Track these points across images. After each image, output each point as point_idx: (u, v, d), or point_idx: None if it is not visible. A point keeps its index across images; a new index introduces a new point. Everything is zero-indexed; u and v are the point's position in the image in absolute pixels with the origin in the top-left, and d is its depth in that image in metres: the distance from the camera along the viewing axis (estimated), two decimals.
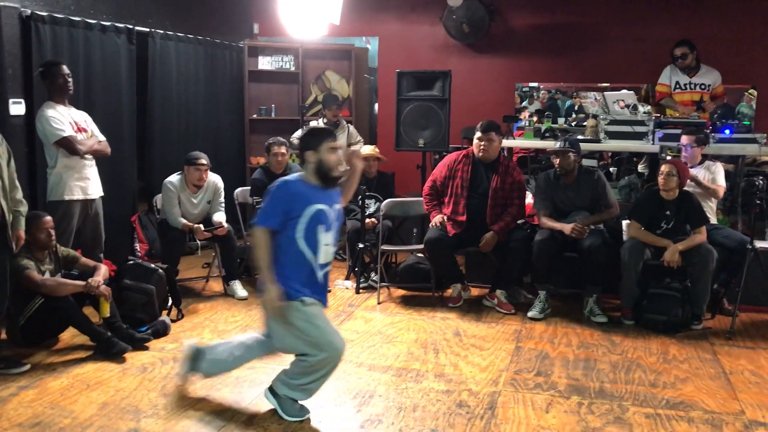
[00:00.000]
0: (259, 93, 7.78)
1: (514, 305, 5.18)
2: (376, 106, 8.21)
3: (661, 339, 4.58)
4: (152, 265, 4.77)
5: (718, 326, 4.83)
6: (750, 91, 6.80)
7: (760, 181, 4.90)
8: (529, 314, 4.99)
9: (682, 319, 4.69)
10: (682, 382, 3.88)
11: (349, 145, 6.88)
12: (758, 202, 4.87)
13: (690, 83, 6.31)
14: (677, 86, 6.33)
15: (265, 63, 7.81)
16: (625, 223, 5.13)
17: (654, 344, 4.48)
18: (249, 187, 5.80)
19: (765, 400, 3.65)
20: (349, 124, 7.07)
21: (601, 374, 3.95)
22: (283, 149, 5.72)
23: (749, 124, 6.12)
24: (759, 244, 4.93)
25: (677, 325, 4.69)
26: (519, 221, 5.36)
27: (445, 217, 5.29)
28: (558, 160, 5.13)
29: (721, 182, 5.19)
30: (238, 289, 5.39)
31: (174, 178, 5.41)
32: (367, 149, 6.20)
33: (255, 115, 7.74)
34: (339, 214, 3.42)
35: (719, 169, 5.27)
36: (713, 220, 5.22)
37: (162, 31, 6.41)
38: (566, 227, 4.95)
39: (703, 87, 6.31)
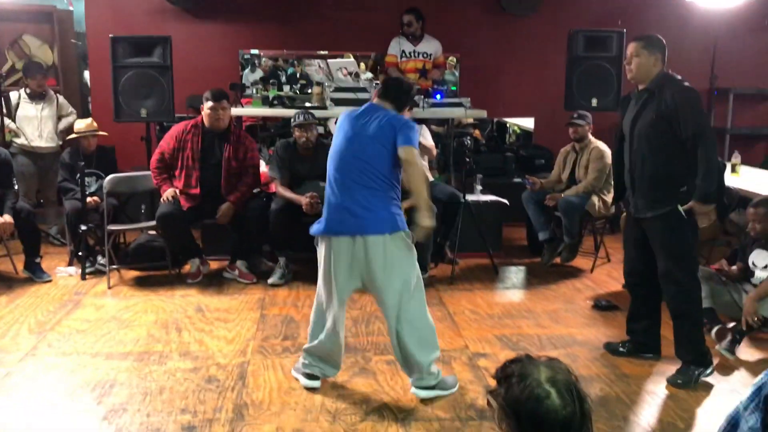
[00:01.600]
0: None
1: (255, 274, 5.16)
2: (87, 74, 7.52)
3: None
4: None
5: (442, 274, 5.31)
6: (450, 59, 7.46)
7: (468, 141, 5.44)
8: (270, 281, 5.02)
9: None
10: None
11: (60, 117, 6.22)
12: (467, 159, 5.40)
13: (414, 51, 6.76)
14: (403, 54, 6.75)
15: None
16: None
17: None
18: None
19: (483, 333, 4.12)
20: (58, 95, 6.38)
21: (345, 330, 4.11)
22: None
23: (455, 89, 6.75)
24: (470, 197, 5.50)
25: None
26: (255, 190, 5.33)
27: (177, 191, 5.06)
28: (301, 134, 5.14)
29: (431, 143, 5.67)
30: None
31: None
32: (82, 123, 5.66)
33: None
34: None
35: (426, 132, 5.74)
36: (430, 178, 5.69)
37: None
38: (303, 200, 4.98)
39: (426, 56, 6.80)
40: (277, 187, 5.17)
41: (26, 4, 6.92)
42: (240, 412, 3.12)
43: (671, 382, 3.46)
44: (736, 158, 5.97)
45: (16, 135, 6.01)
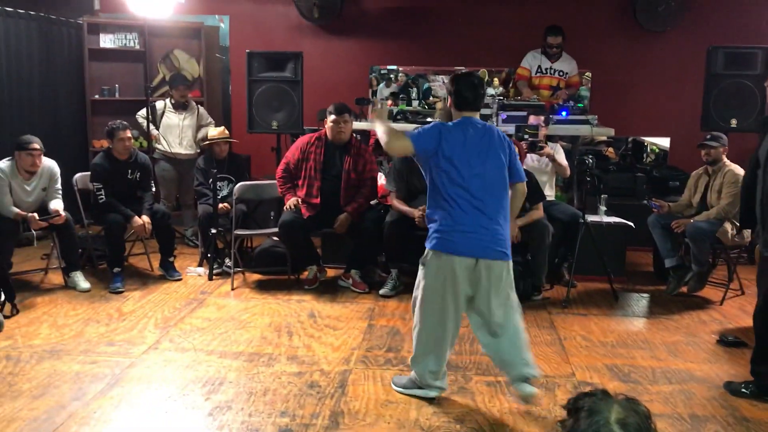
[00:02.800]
0: (101, 72, 7.35)
1: (368, 284, 5.27)
2: (230, 86, 8.01)
3: None
4: None
5: (557, 296, 5.17)
6: (586, 74, 7.27)
7: (590, 160, 5.26)
8: (381, 292, 5.10)
9: (523, 291, 4.95)
10: None
11: (200, 126, 6.68)
12: (588, 179, 5.23)
13: (551, 68, 6.69)
14: (538, 70, 6.69)
15: (107, 41, 7.37)
16: None
17: None
18: (89, 173, 5.47)
19: (592, 362, 3.97)
20: (199, 105, 6.86)
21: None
22: (128, 133, 5.42)
23: (582, 106, 6.57)
24: (591, 218, 5.31)
25: (519, 297, 4.94)
26: (372, 202, 5.45)
27: (300, 200, 5.27)
28: None
29: (565, 162, 5.55)
30: (80, 280, 5.10)
31: (4, 164, 5.00)
32: (215, 131, 6.03)
33: (97, 96, 7.31)
34: None
35: (560, 150, 5.62)
36: (552, 197, 5.56)
37: None
38: (415, 213, 5.04)
39: (561, 74, 6.71)
40: (392, 200, 5.26)
41: (178, 21, 7.48)
42: (336, 419, 3.19)
43: None
44: None
45: (158, 141, 6.51)
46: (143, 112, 6.46)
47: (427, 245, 3.28)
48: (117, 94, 7.38)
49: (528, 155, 5.44)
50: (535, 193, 5.09)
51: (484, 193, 3.20)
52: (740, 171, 5.05)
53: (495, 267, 3.20)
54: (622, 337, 4.40)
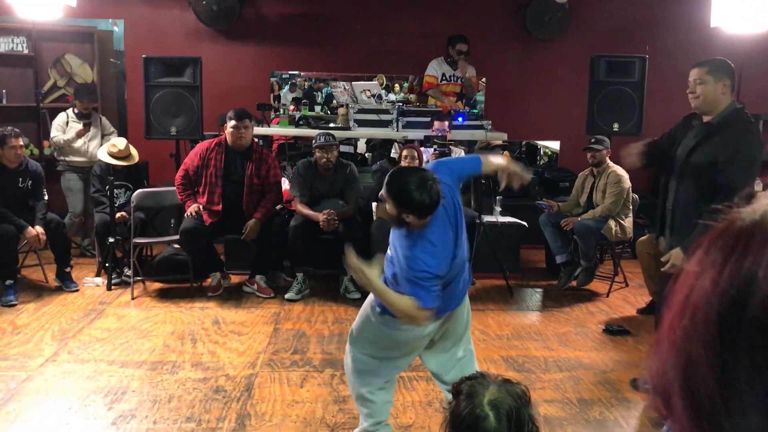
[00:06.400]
0: None
1: (273, 289, 5.29)
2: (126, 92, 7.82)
3: None
4: None
5: None
6: (482, 80, 7.56)
7: None
8: (287, 296, 5.14)
9: None
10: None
11: (104, 136, 6.47)
12: (483, 181, 5.47)
13: (454, 75, 6.90)
14: (443, 78, 6.88)
15: None
16: (374, 204, 5.48)
17: None
18: None
19: (489, 354, 4.17)
20: (101, 116, 6.66)
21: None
22: (20, 141, 5.20)
23: (478, 111, 6.84)
24: (487, 218, 5.56)
25: None
26: (277, 207, 5.48)
27: (201, 207, 5.23)
28: (321, 155, 5.25)
29: None
30: None
31: None
32: (116, 145, 5.86)
33: None
34: None
35: (462, 155, 5.84)
36: None
37: None
38: (320, 217, 5.11)
39: (463, 80, 6.94)
40: (296, 205, 5.31)
41: (69, 25, 7.23)
42: (242, 422, 3.22)
43: (655, 423, 3.14)
44: (758, 186, 5.90)
45: (63, 152, 6.27)
46: (58, 135, 6.23)
47: None
48: (4, 101, 7.05)
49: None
50: None
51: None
52: (622, 172, 5.42)
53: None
54: (517, 329, 4.64)
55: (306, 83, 7.54)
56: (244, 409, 3.36)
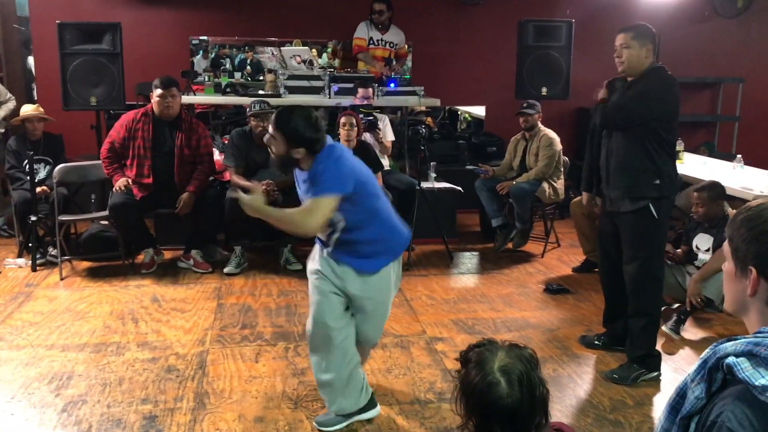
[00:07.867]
0: None
1: (210, 263, 5.14)
2: (31, 60, 7.31)
3: None
4: None
5: None
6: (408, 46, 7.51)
7: (423, 130, 5.51)
8: (226, 270, 5.01)
9: None
10: None
11: (0, 104, 6.04)
12: (422, 148, 5.47)
13: (382, 40, 6.79)
14: (371, 42, 6.76)
15: None
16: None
17: None
18: None
19: (440, 318, 4.21)
20: None
21: (303, 318, 4.14)
22: None
23: (409, 78, 6.81)
24: (425, 184, 5.58)
25: None
26: (209, 178, 5.29)
27: (130, 180, 4.99)
28: (257, 123, 5.08)
29: (390, 137, 5.77)
30: None
31: None
32: (29, 107, 5.50)
33: None
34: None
35: (388, 126, 5.81)
36: (388, 167, 5.75)
37: None
38: (258, 188, 4.96)
39: (392, 45, 6.84)
40: (231, 176, 5.15)
41: None
42: (201, 400, 3.13)
43: (607, 375, 3.41)
44: (680, 145, 6.19)
45: None
46: None
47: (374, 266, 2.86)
48: None
49: (365, 132, 5.55)
50: (375, 163, 5.25)
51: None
52: (554, 135, 5.55)
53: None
54: (462, 293, 4.71)
55: (213, 50, 7.21)
56: (200, 387, 3.26)
